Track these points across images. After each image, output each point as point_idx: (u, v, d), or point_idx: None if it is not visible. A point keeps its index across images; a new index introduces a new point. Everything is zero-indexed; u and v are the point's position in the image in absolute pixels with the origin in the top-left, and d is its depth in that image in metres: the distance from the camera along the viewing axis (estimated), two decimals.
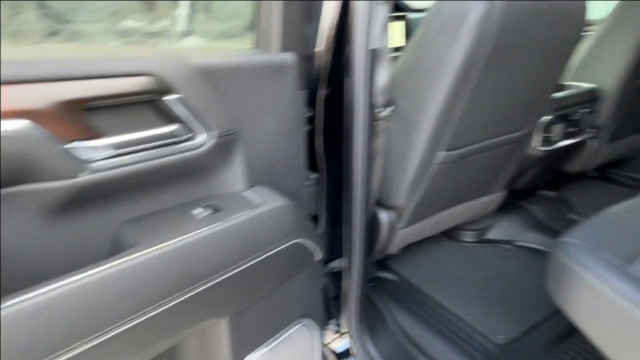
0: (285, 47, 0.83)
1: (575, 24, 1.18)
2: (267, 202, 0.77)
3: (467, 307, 1.36)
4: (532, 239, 1.71)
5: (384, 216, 1.30)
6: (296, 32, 0.85)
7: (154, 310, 0.59)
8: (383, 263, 1.60)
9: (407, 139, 1.17)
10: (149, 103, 0.66)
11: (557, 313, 1.28)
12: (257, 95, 0.79)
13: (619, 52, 1.68)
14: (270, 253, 0.74)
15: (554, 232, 1.70)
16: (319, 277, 1.03)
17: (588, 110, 1.70)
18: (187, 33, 1.32)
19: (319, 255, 0.92)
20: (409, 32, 2.06)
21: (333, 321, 1.32)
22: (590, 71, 1.76)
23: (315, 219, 1.24)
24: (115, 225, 0.68)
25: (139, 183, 0.68)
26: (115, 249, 0.65)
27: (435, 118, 1.10)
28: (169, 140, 0.68)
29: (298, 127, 0.90)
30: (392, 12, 2.15)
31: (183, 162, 0.69)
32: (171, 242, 0.62)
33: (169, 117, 0.68)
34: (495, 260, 1.62)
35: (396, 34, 2.12)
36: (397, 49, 1.90)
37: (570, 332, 1.23)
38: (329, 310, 1.32)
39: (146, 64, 0.63)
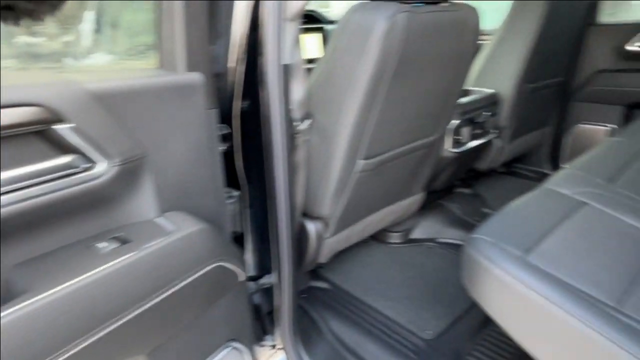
0: (192, 67, 0.81)
1: (470, 34, 1.29)
2: (182, 228, 0.74)
3: (397, 307, 1.42)
4: (452, 235, 1.83)
5: (311, 227, 1.32)
6: (202, 51, 0.83)
7: None
8: (315, 272, 1.61)
9: (327, 150, 1.20)
10: (37, 134, 0.61)
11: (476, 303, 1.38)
12: (164, 118, 0.76)
13: (512, 60, 1.86)
14: (188, 280, 0.71)
15: (470, 227, 1.83)
16: (246, 297, 1.01)
17: (490, 113, 1.86)
18: (93, 50, 1.23)
19: (242, 276, 0.90)
20: (326, 44, 2.12)
21: (268, 337, 1.31)
22: (489, 77, 1.93)
23: (241, 236, 1.22)
24: (5, 270, 0.62)
25: (31, 221, 0.62)
26: (5, 298, 0.59)
27: (351, 129, 1.14)
28: (64, 172, 0.63)
29: (212, 146, 0.88)
30: (309, 24, 2.20)
31: (82, 194, 0.64)
32: (70, 283, 0.57)
33: (62, 147, 0.63)
34: (420, 258, 1.70)
35: (314, 45, 2.17)
36: (313, 61, 1.94)
37: (489, 320, 1.33)
38: (263, 326, 1.30)
39: (31, 93, 0.58)
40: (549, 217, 1.07)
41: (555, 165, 2.38)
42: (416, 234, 1.85)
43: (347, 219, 1.39)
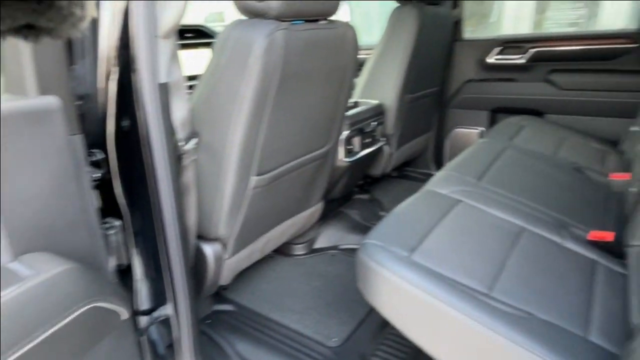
0: (46, 89, 0.73)
1: (349, 50, 1.37)
2: (42, 271, 0.65)
3: (304, 319, 1.42)
4: (353, 240, 1.89)
5: (208, 249, 1.27)
6: (58, 71, 0.76)
7: None
8: (219, 295, 1.55)
9: (217, 169, 1.17)
10: None
11: None
12: (11, 149, 0.67)
13: (392, 73, 2.01)
14: (53, 329, 0.63)
15: (369, 231, 1.92)
16: (133, 336, 0.93)
17: (377, 122, 1.99)
18: None
19: (125, 313, 0.83)
20: None
21: None
22: (374, 89, 2.06)
23: (129, 269, 1.13)
24: None
25: None
26: None
27: (240, 146, 1.13)
28: None
29: (78, 175, 0.80)
30: (198, 39, 2.15)
31: None
32: None
33: None
34: (324, 267, 1.73)
35: (204, 61, 2.12)
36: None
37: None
38: None
39: None
40: (429, 216, 1.17)
41: (440, 166, 2.61)
42: (319, 243, 1.88)
43: (246, 237, 1.36)
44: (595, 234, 1.18)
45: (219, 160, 1.16)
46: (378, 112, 2.00)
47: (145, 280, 1.16)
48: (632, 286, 0.94)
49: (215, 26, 2.34)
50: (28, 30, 0.25)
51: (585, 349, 0.81)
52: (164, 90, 0.95)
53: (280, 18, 1.10)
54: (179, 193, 1.06)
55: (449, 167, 1.52)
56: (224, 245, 1.29)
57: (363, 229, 1.96)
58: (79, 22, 0.26)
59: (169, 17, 0.93)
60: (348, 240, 1.90)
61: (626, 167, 1.67)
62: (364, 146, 1.90)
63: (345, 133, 1.75)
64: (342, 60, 1.35)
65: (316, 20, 1.26)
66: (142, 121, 0.93)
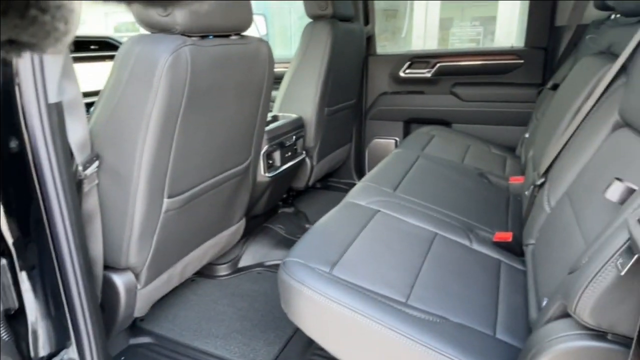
0: None
1: (263, 65, 1.35)
2: None
3: (228, 344, 1.36)
4: (279, 256, 1.87)
5: (117, 280, 1.16)
6: None
7: None
8: (135, 327, 1.43)
9: (124, 194, 1.08)
10: None
11: None
12: None
13: (309, 87, 2.03)
14: None
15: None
16: None
17: (297, 136, 1.99)
18: None
19: None
20: None
21: None
22: (293, 103, 2.07)
23: (22, 312, 0.99)
24: None
25: None
26: None
27: (147, 167, 1.06)
28: None
29: None
30: (105, 51, 2.00)
31: None
32: None
33: None
34: (250, 286, 1.68)
35: None
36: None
37: None
38: None
39: None
40: (350, 228, 1.19)
41: (362, 176, 2.68)
42: (244, 261, 1.82)
43: (161, 263, 1.28)
44: (499, 235, 1.28)
45: (126, 184, 1.07)
46: (298, 126, 2.01)
47: (43, 322, 1.04)
48: (529, 282, 1.03)
49: (125, 37, 2.20)
50: (10, 46, 0.24)
51: (494, 347, 0.86)
52: (55, 111, 0.86)
53: (187, 33, 1.06)
54: (80, 222, 0.97)
55: (367, 178, 1.56)
56: (137, 275, 1.20)
57: (289, 244, 1.94)
58: (62, 36, 0.25)
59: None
60: (274, 256, 1.87)
61: (522, 171, 1.85)
62: (284, 160, 1.89)
63: (265, 148, 1.72)
64: (256, 75, 1.33)
65: (227, 36, 1.23)
66: (30, 145, 0.84)
